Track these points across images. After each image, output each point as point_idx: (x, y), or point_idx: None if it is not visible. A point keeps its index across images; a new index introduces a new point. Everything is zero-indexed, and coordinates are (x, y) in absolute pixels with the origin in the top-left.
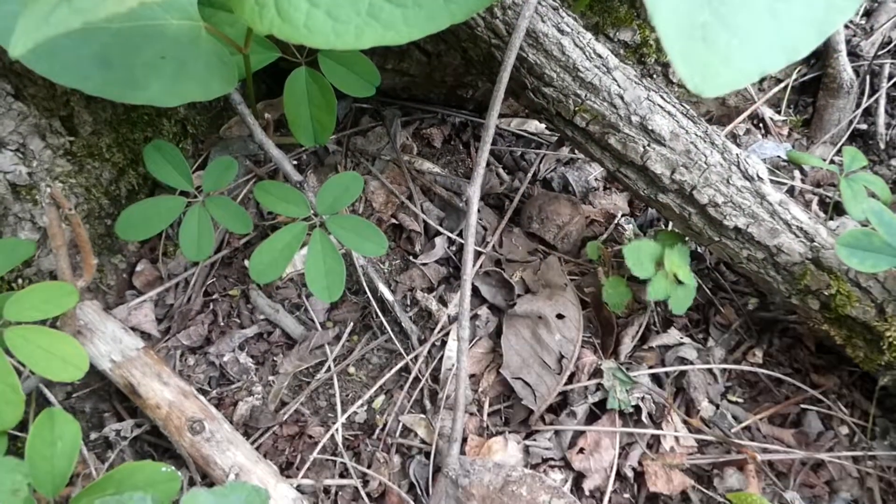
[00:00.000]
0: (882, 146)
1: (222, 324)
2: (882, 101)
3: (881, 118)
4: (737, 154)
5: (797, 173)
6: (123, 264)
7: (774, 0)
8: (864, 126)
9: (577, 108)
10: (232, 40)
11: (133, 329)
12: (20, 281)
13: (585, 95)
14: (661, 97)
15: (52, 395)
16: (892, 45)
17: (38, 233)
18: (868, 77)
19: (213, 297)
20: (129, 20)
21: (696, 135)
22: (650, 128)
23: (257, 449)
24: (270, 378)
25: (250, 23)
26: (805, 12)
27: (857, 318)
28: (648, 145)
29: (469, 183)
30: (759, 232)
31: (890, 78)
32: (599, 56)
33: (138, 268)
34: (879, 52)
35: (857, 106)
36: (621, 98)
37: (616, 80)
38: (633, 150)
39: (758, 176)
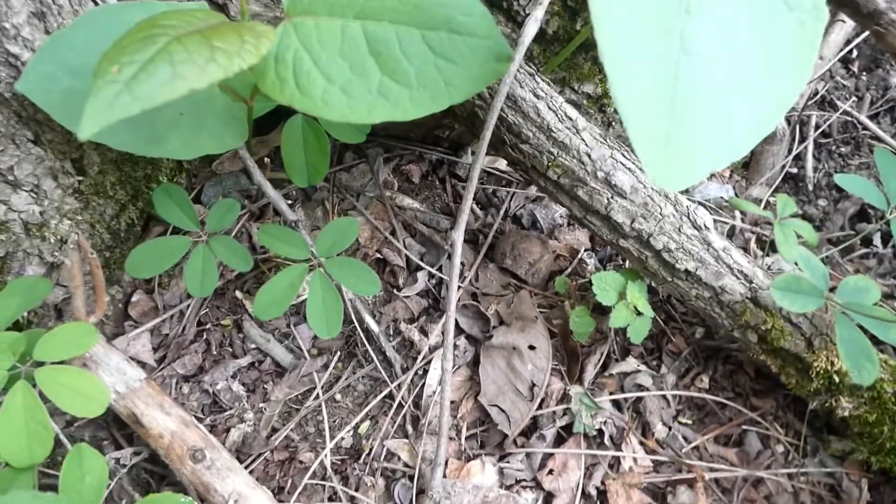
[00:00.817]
0: (811, 188)
1: (215, 353)
2: (810, 148)
3: (809, 163)
4: (686, 206)
5: (738, 213)
6: (120, 295)
7: (724, 109)
8: (794, 170)
9: (549, 164)
10: (238, 93)
11: (132, 359)
12: (26, 313)
13: (557, 153)
14: (623, 155)
15: (55, 424)
16: (817, 96)
17: (44, 267)
18: (798, 126)
19: (207, 326)
20: None
21: (653, 189)
22: (613, 182)
23: (250, 474)
24: (262, 405)
25: (271, 94)
26: (749, 117)
27: (790, 350)
28: (612, 198)
29: (454, 228)
30: (706, 274)
31: (817, 127)
32: (570, 118)
33: (134, 298)
34: (808, 103)
35: (789, 152)
36: (588, 156)
37: (584, 140)
38: (598, 202)
39: (705, 225)
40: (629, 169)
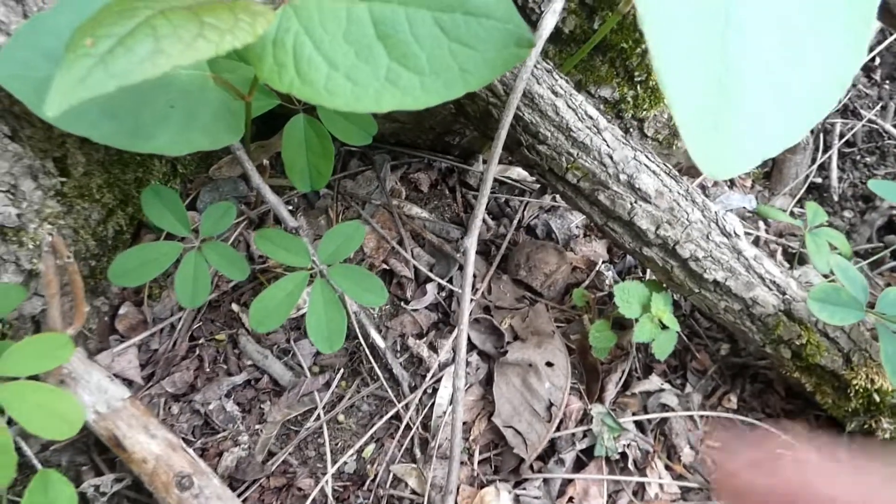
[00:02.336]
0: (836, 198)
1: (208, 370)
2: (834, 158)
3: (834, 173)
4: (715, 212)
5: (762, 224)
6: (106, 307)
7: (777, 88)
8: (819, 180)
9: (569, 166)
10: (236, 88)
11: (116, 376)
12: (0, 325)
13: (577, 154)
14: (647, 157)
15: (27, 447)
16: (839, 105)
17: (21, 275)
18: (821, 135)
19: (200, 341)
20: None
21: (679, 193)
22: (637, 186)
23: (243, 503)
24: (257, 427)
25: (269, 82)
26: (804, 96)
27: (826, 366)
28: (635, 202)
29: (466, 236)
30: (737, 285)
31: (840, 136)
32: (590, 117)
33: (121, 311)
34: (831, 112)
35: (813, 161)
36: (610, 157)
37: (606, 141)
38: (620, 207)
39: (734, 232)
40: (654, 172)
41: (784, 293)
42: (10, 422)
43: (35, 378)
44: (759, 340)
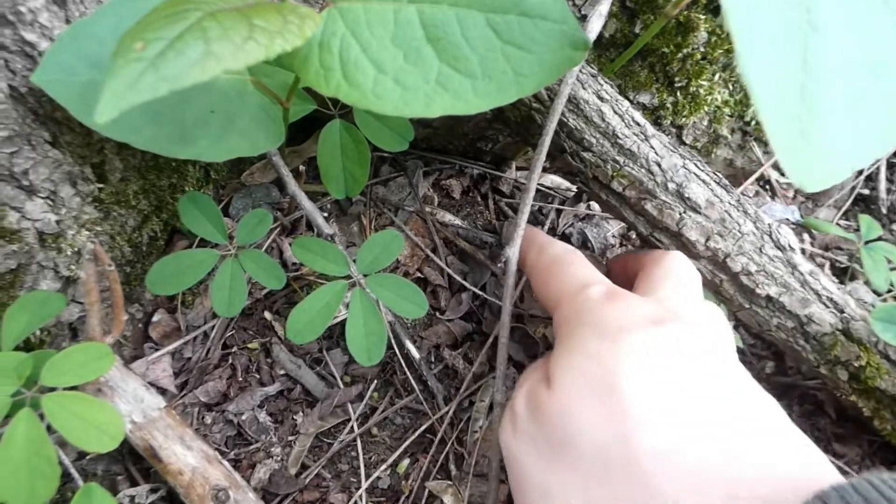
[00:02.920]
0: (884, 211)
1: (241, 379)
2: (882, 168)
3: (882, 184)
4: (769, 224)
5: (806, 237)
6: (140, 314)
7: (862, 94)
8: (866, 191)
9: (614, 174)
10: (274, 93)
11: (151, 384)
12: (38, 332)
13: (624, 161)
14: (696, 165)
15: (64, 455)
16: None
17: (59, 282)
18: None
19: (232, 350)
20: None
21: (730, 203)
22: (686, 195)
23: None
24: (290, 438)
25: (315, 86)
26: (889, 104)
27: (887, 390)
28: (684, 212)
29: (508, 245)
30: (791, 301)
31: None
32: (638, 124)
33: (155, 318)
34: None
35: (860, 172)
36: (658, 165)
37: (654, 148)
38: (668, 217)
39: (789, 246)
40: (703, 181)
41: (842, 311)
42: (48, 429)
43: (74, 388)
44: (813, 360)
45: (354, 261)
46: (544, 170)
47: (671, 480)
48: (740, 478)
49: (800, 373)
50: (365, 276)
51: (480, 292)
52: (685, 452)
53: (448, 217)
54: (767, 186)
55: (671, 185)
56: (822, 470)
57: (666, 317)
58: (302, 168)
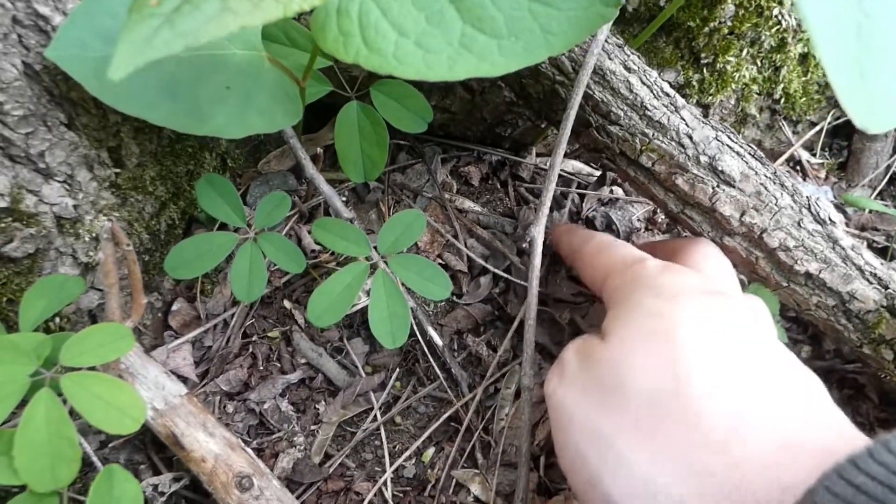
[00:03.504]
0: None
1: (262, 368)
2: None
3: None
4: (807, 196)
5: (840, 217)
6: (160, 303)
7: None
8: None
9: (643, 148)
10: (291, 72)
11: (172, 372)
12: (58, 319)
13: (653, 134)
14: (729, 137)
15: (87, 444)
16: None
17: (78, 268)
18: None
19: (253, 339)
20: (194, 49)
21: (766, 176)
22: (720, 168)
23: None
24: (313, 427)
25: (334, 52)
26: None
27: None
28: (718, 186)
29: (533, 223)
30: (832, 278)
31: None
32: (667, 95)
33: (174, 307)
34: None
35: (895, 150)
36: (690, 138)
37: (684, 119)
38: (701, 192)
39: (829, 219)
40: (738, 153)
41: (887, 287)
42: (70, 414)
43: (93, 370)
44: (855, 340)
45: (375, 247)
46: (566, 155)
47: (721, 420)
48: (788, 428)
49: (838, 356)
50: (386, 257)
51: (504, 273)
52: (736, 398)
53: (468, 204)
54: (798, 168)
55: (703, 159)
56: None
57: (716, 290)
58: (319, 151)
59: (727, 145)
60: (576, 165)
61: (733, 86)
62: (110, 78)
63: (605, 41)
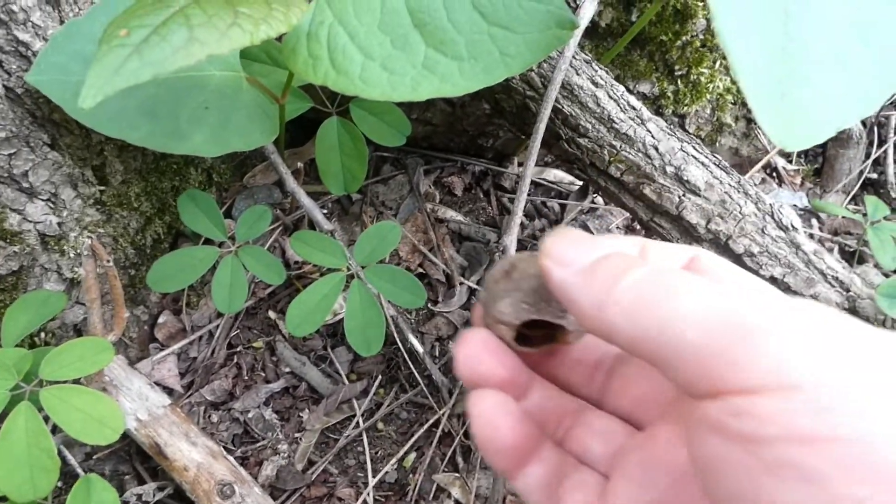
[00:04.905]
0: (893, 195)
1: (246, 378)
2: (891, 152)
3: (891, 168)
4: (770, 204)
5: (814, 222)
6: (146, 316)
7: (845, 52)
8: (874, 175)
9: (611, 159)
10: (270, 91)
11: (157, 384)
12: (43, 335)
13: (620, 146)
14: (694, 148)
15: (71, 456)
16: (894, 97)
17: (63, 284)
18: (876, 128)
19: (237, 349)
20: (173, 71)
21: (730, 185)
22: (685, 178)
23: None
24: (296, 435)
25: (304, 75)
26: (875, 68)
27: None
28: (684, 195)
29: (505, 233)
30: (796, 282)
31: None
32: (633, 108)
33: (160, 319)
34: (885, 104)
35: (867, 156)
36: (656, 149)
37: (650, 132)
38: (668, 200)
39: (792, 226)
40: (702, 163)
41: (848, 290)
42: (54, 430)
43: (76, 383)
44: None
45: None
46: (547, 164)
47: None
48: None
49: None
50: (363, 267)
51: (475, 286)
52: None
53: (450, 213)
54: (774, 174)
55: (669, 169)
56: None
57: None
58: (301, 165)
59: (692, 156)
60: (557, 174)
61: (708, 96)
62: (80, 106)
63: (573, 57)
